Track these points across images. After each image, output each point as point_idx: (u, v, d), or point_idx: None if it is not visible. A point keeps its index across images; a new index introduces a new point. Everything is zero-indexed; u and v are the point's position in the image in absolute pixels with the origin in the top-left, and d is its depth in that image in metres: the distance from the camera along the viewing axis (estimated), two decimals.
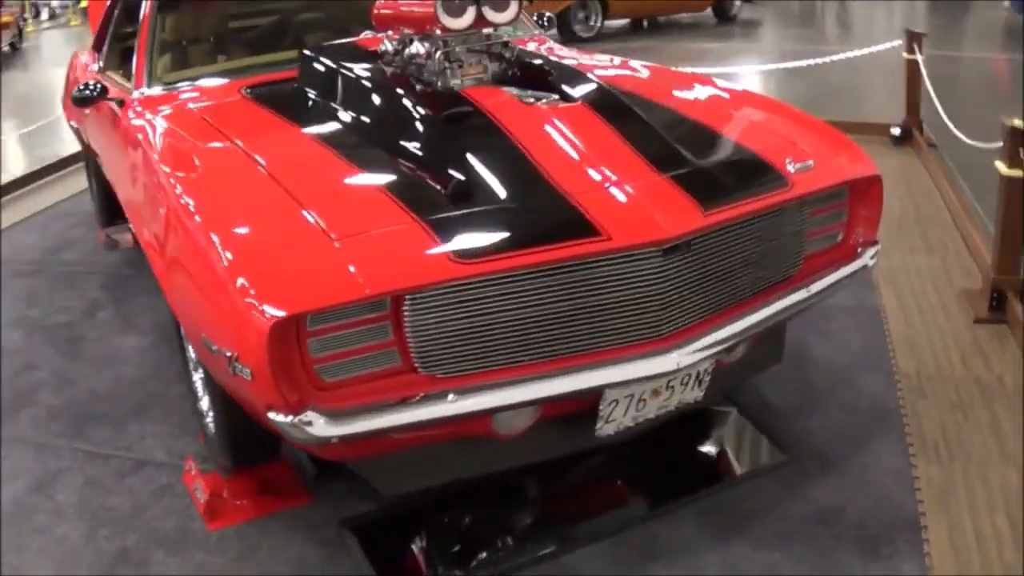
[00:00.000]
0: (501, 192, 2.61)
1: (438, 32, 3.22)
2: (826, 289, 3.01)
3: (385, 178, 2.76)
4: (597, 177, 2.65)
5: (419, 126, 2.99)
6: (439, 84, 3.25)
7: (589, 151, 2.77)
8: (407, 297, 2.35)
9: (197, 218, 2.68)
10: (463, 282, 2.37)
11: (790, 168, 2.88)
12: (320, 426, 2.32)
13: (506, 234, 2.45)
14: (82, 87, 3.99)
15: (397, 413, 2.37)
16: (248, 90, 3.70)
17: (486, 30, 3.32)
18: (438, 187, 2.70)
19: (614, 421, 2.70)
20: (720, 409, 3.56)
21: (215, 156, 3.17)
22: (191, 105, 3.72)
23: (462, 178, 2.68)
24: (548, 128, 2.88)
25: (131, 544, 3.14)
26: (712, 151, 2.97)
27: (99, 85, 3.98)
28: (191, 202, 2.79)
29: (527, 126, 2.89)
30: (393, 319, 2.39)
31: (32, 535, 3.23)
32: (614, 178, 2.64)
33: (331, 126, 3.26)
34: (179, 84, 3.98)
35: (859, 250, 3.16)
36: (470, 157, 2.73)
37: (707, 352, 2.64)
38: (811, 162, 2.93)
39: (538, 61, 3.51)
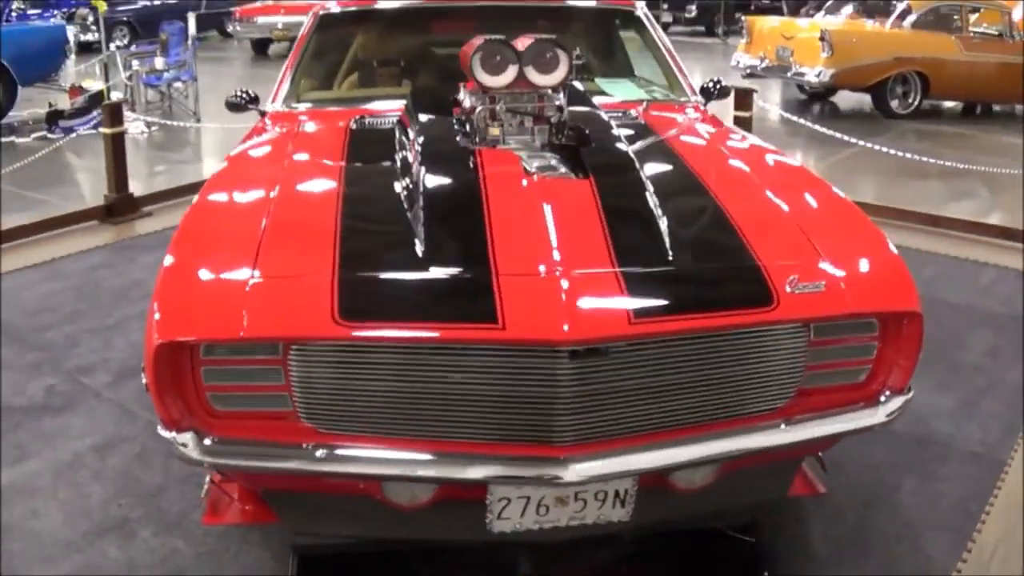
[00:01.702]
0: (435, 261, 2.51)
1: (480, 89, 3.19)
2: (819, 439, 2.63)
3: (352, 225, 2.74)
4: (542, 263, 2.44)
5: (407, 181, 2.96)
6: (475, 141, 3.22)
7: (556, 234, 2.57)
8: (293, 347, 2.38)
9: (179, 231, 2.85)
10: (342, 343, 2.35)
11: (789, 287, 2.49)
12: (192, 449, 2.43)
13: (404, 304, 2.39)
14: (235, 94, 4.33)
15: (264, 458, 2.43)
16: (356, 120, 3.85)
17: (549, 91, 3.24)
18: (396, 243, 2.65)
19: (509, 519, 2.53)
20: (738, 536, 3.20)
21: (248, 177, 3.34)
22: (297, 126, 3.94)
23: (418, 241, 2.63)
24: (531, 204, 2.73)
25: (134, 517, 3.42)
26: (707, 253, 2.67)
27: (250, 93, 4.30)
28: (193, 216, 2.97)
29: (509, 199, 2.78)
30: (284, 365, 2.41)
31: (67, 488, 3.61)
32: (560, 267, 2.42)
33: (369, 167, 3.28)
34: (307, 104, 4.23)
35: (882, 398, 2.68)
36: (431, 221, 2.67)
37: (611, 472, 2.40)
38: (822, 283, 2.52)
39: (596, 127, 3.34)
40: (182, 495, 3.51)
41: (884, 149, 8.16)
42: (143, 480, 3.62)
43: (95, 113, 10.12)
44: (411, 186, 2.89)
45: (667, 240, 2.61)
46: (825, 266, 2.58)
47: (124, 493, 3.55)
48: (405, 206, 2.79)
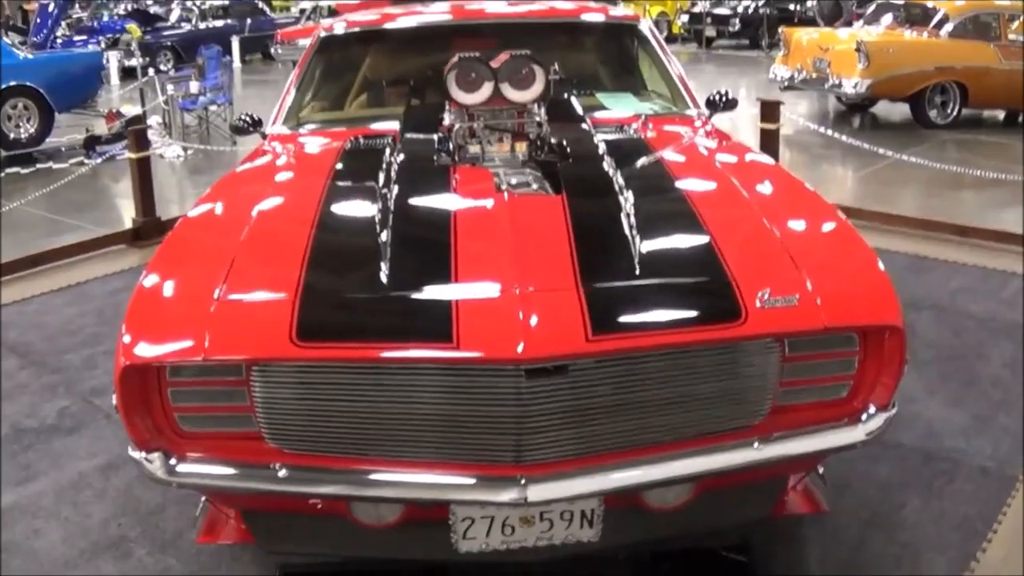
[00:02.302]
0: (397, 280, 2.52)
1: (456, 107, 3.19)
2: (797, 457, 2.56)
3: (322, 245, 2.75)
4: (502, 281, 2.43)
5: (382, 200, 2.97)
6: (455, 158, 3.22)
7: (522, 251, 2.56)
8: (255, 368, 2.40)
9: (156, 254, 2.89)
10: (301, 364, 2.37)
11: (759, 302, 2.42)
12: (159, 469, 2.47)
13: (362, 324, 2.40)
14: (239, 118, 4.40)
15: (229, 478, 2.46)
16: (351, 140, 3.87)
17: (528, 107, 3.23)
18: (362, 263, 2.66)
19: (475, 539, 2.52)
20: (731, 556, 3.16)
21: (232, 199, 3.37)
22: (293, 148, 3.98)
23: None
24: (499, 221, 2.73)
25: (132, 536, 3.47)
26: (677, 268, 2.62)
27: (253, 117, 4.36)
28: (172, 238, 3.03)
29: (477, 217, 2.79)
30: (248, 386, 2.43)
31: (69, 508, 3.67)
32: (520, 285, 2.40)
33: (351, 186, 3.28)
34: (310, 126, 4.27)
35: (863, 415, 2.58)
36: (398, 240, 2.69)
37: (573, 493, 2.38)
38: (795, 298, 2.45)
39: (577, 143, 3.33)
40: (180, 515, 3.54)
41: (918, 160, 8.05)
42: (144, 500, 3.66)
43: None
44: (384, 205, 2.90)
45: (636, 256, 2.58)
46: (802, 281, 2.51)
47: (124, 513, 3.60)
48: (376, 225, 2.80)
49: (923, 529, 3.41)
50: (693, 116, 4.28)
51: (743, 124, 9.77)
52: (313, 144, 4.02)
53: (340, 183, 3.26)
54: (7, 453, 4.06)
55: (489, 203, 2.85)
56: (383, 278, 2.52)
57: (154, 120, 11.60)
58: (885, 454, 3.87)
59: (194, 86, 11.57)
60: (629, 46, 4.78)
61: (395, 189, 2.96)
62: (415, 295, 2.46)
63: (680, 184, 3.13)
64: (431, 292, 2.45)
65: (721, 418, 2.50)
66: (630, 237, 2.66)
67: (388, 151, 3.46)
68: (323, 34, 4.69)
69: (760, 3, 23.06)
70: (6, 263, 6.54)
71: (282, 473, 2.41)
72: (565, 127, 3.44)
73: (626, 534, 2.62)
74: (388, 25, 4.71)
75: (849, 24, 14.12)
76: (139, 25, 20.64)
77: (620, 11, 4.92)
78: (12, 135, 10.91)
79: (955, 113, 11.66)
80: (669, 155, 3.52)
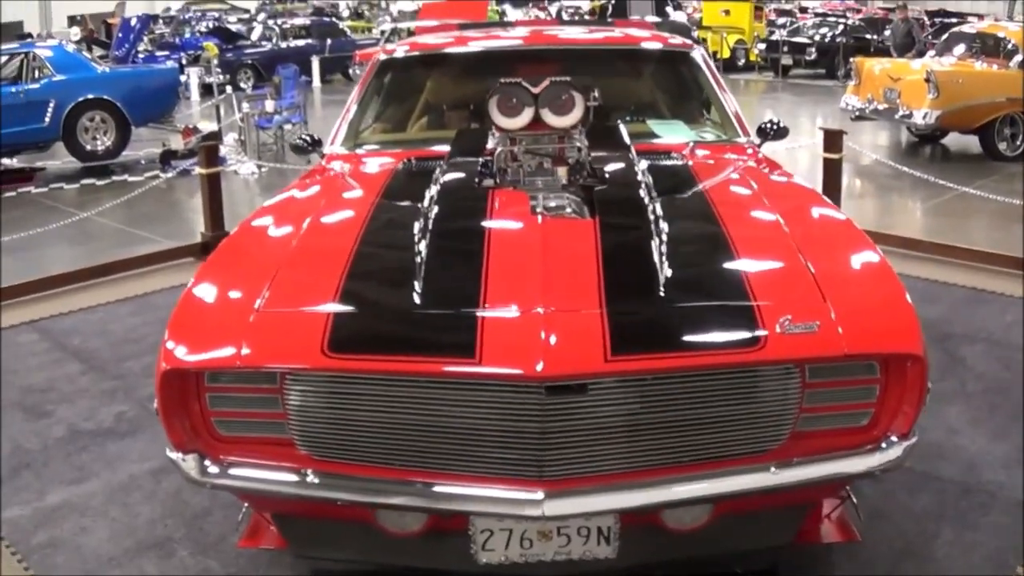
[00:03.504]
0: (428, 297, 2.62)
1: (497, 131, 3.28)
2: (813, 482, 2.56)
3: (362, 260, 2.87)
4: (529, 301, 2.51)
5: (423, 220, 3.07)
6: (497, 181, 3.31)
7: (550, 272, 2.64)
8: (288, 377, 2.51)
9: (206, 262, 3.03)
10: (331, 374, 2.47)
11: (779, 327, 2.46)
12: (192, 468, 2.61)
13: (390, 338, 2.51)
14: (300, 137, 4.56)
15: (259, 481, 2.59)
16: (404, 161, 3.98)
17: (569, 132, 3.30)
18: (397, 279, 2.76)
19: (494, 551, 2.59)
20: None
21: (285, 213, 3.51)
22: (348, 167, 4.11)
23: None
24: (531, 243, 2.81)
25: (176, 536, 3.61)
26: (701, 293, 2.68)
27: (313, 137, 4.51)
28: (224, 247, 3.19)
29: (511, 238, 2.89)
30: (282, 394, 2.55)
31: (118, 508, 3.82)
32: (545, 305, 2.48)
33: (398, 206, 3.41)
34: (365, 146, 4.40)
35: (883, 443, 2.60)
36: (433, 258, 2.78)
37: (589, 509, 2.44)
38: (815, 324, 2.48)
39: (617, 169, 3.38)
40: (224, 519, 3.65)
41: (982, 193, 7.95)
42: (191, 503, 3.80)
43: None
44: (424, 225, 3.00)
45: (661, 280, 2.64)
46: (825, 309, 2.55)
47: (171, 514, 3.74)
48: (414, 244, 2.90)
49: (954, 561, 3.38)
50: (743, 144, 4.30)
51: (811, 153, 9.69)
52: (367, 164, 4.14)
53: (387, 202, 3.40)
54: (63, 454, 4.24)
55: (523, 225, 2.94)
56: (415, 295, 2.63)
57: (231, 137, 11.90)
58: (924, 485, 3.85)
59: (270, 105, 11.85)
60: (683, 74, 4.82)
61: (435, 209, 3.06)
62: (443, 312, 2.57)
63: (716, 210, 3.19)
64: (459, 309, 2.55)
65: (740, 442, 2.53)
66: (657, 261, 2.72)
67: (437, 173, 3.57)
68: (383, 57, 4.82)
69: (837, 32, 22.89)
70: (75, 271, 6.79)
71: (310, 479, 2.52)
72: (608, 153, 3.51)
73: (643, 553, 2.67)
74: (447, 50, 4.83)
75: (922, 55, 13.93)
76: (220, 43, 21.18)
77: (678, 40, 4.95)
78: (89, 147, 11.33)
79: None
80: (710, 182, 3.58)
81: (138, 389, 4.91)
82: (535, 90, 3.25)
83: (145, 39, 21.79)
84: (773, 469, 2.52)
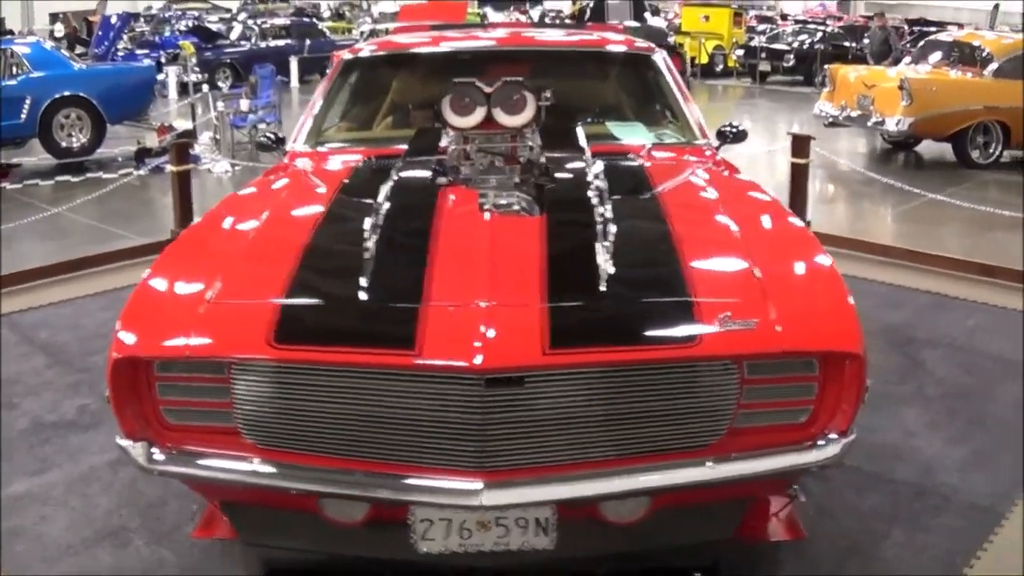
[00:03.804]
0: (373, 290, 2.67)
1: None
2: (750, 477, 2.60)
3: (313, 254, 2.92)
4: (471, 295, 2.56)
5: (375, 216, 3.10)
6: (451, 179, 3.34)
7: (495, 267, 2.70)
8: (234, 366, 2.55)
9: (163, 253, 3.07)
10: (275, 364, 2.52)
11: (717, 323, 2.51)
12: (139, 455, 2.66)
13: (334, 330, 2.56)
14: (264, 135, 4.61)
15: (204, 468, 2.64)
16: (365, 159, 4.02)
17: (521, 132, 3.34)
18: (345, 272, 2.80)
19: (434, 541, 2.63)
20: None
21: (243, 208, 3.55)
22: (310, 164, 4.15)
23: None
24: (477, 239, 2.86)
25: (132, 526, 3.64)
26: (642, 289, 2.73)
27: (277, 136, 4.54)
28: (181, 239, 3.20)
29: (457, 234, 2.92)
30: (229, 384, 2.59)
31: (77, 498, 3.85)
32: (487, 299, 2.54)
33: (352, 202, 3.44)
34: (328, 145, 4.43)
35: (820, 440, 2.63)
36: (381, 253, 2.83)
37: (525, 500, 2.49)
38: (754, 321, 2.54)
39: (568, 168, 3.43)
40: (180, 509, 3.68)
41: (950, 200, 8.05)
42: (147, 493, 3.82)
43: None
44: (375, 221, 3.04)
45: (604, 276, 2.68)
46: (765, 306, 2.60)
47: (127, 504, 3.77)
48: (364, 239, 2.93)
49: (901, 561, 3.43)
50: (701, 147, 4.36)
51: (784, 158, 9.73)
52: (328, 162, 4.18)
53: (343, 199, 3.45)
54: (26, 445, 4.25)
55: (470, 222, 2.99)
56: (362, 288, 2.68)
57: (206, 136, 11.88)
58: (877, 486, 3.91)
59: (244, 104, 11.85)
60: (644, 77, 4.87)
61: (386, 206, 3.11)
62: (387, 305, 2.62)
63: (665, 210, 3.25)
64: (402, 303, 2.60)
65: (678, 436, 2.57)
66: (601, 258, 2.76)
67: (392, 171, 3.60)
68: (347, 56, 4.85)
69: (815, 40, 23.05)
70: (47, 267, 6.79)
71: (253, 467, 2.57)
72: (562, 152, 3.56)
73: (582, 545, 2.70)
74: (410, 51, 4.88)
75: (899, 62, 14.05)
76: (199, 42, 21.13)
77: (643, 43, 5.00)
78: (64, 144, 11.29)
79: (998, 153, 11.56)
80: (663, 182, 3.63)
81: (102, 383, 4.68)
82: (487, 90, 3.28)
83: (125, 37, 21.70)
84: (710, 464, 2.56)
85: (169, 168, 7.53)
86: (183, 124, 11.89)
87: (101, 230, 8.34)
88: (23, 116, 10.87)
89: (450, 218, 3.02)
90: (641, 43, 4.97)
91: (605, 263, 2.74)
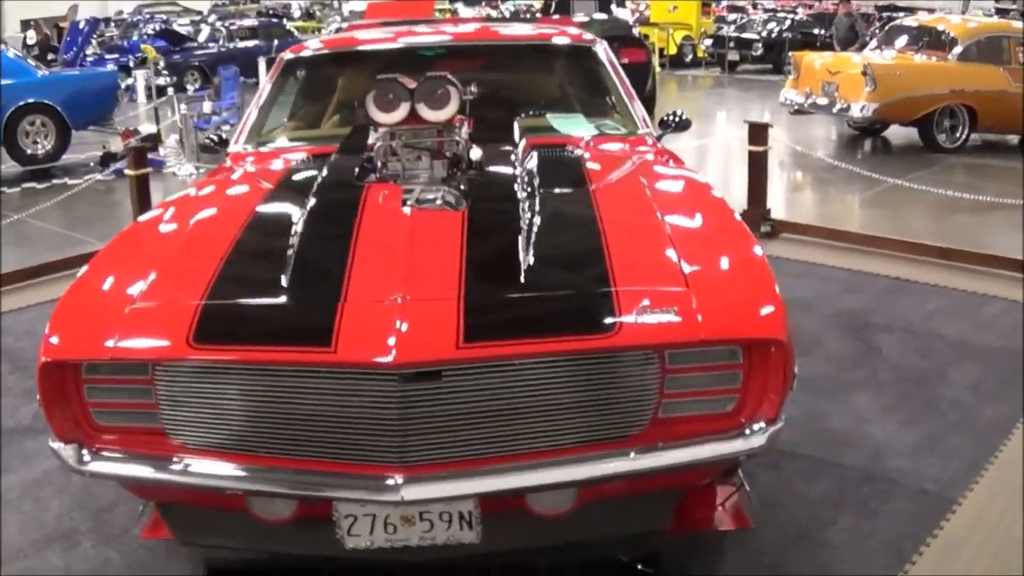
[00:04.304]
0: (293, 289, 2.69)
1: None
2: (675, 467, 2.59)
3: (238, 255, 2.93)
4: (389, 291, 2.57)
5: (296, 211, 3.13)
6: (378, 176, 3.35)
7: (413, 262, 2.71)
8: (157, 368, 2.57)
9: (95, 258, 3.09)
10: (197, 365, 2.53)
11: (635, 313, 2.51)
12: (69, 457, 2.68)
13: (254, 329, 2.58)
14: (208, 137, 4.59)
15: (130, 470, 2.66)
16: (304, 158, 4.03)
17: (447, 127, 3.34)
18: (267, 271, 2.81)
19: (359, 536, 2.63)
20: (640, 568, 3.18)
21: (178, 210, 3.53)
22: (248, 165, 4.17)
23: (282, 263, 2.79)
24: (397, 235, 2.87)
25: (82, 529, 3.66)
26: (563, 280, 2.74)
27: (220, 137, 4.54)
28: (113, 243, 3.24)
29: (378, 230, 2.92)
30: (153, 385, 2.61)
31: (30, 502, 3.87)
32: (404, 294, 2.55)
33: (282, 202, 3.44)
34: (270, 145, 4.44)
35: (746, 429, 2.63)
36: (302, 251, 2.85)
37: (444, 494, 2.49)
38: (673, 310, 2.53)
39: (495, 162, 3.43)
40: (128, 512, 3.67)
41: (913, 185, 8.09)
42: (98, 496, 3.83)
43: (148, 156, 10.57)
44: (299, 219, 3.06)
45: (524, 268, 2.69)
46: (687, 295, 2.60)
47: (78, 507, 3.78)
48: (288, 238, 2.95)
49: (849, 549, 3.43)
50: (642, 136, 4.37)
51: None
52: (266, 162, 4.19)
53: (274, 198, 3.46)
54: None
55: (391, 218, 2.99)
56: (281, 287, 2.69)
57: (172, 139, 11.83)
58: (825, 472, 3.93)
59: (207, 106, 11.82)
60: (586, 68, 4.89)
61: (310, 203, 3.12)
62: (306, 303, 2.64)
63: (594, 200, 3.26)
64: (320, 300, 2.61)
65: (600, 427, 2.57)
66: (521, 251, 2.77)
67: (322, 169, 3.61)
68: (288, 56, 4.85)
69: (784, 28, 23.12)
70: (7, 273, 6.75)
71: (178, 468, 2.58)
72: (492, 146, 3.56)
73: (509, 538, 2.71)
74: (351, 48, 4.90)
75: (864, 48, 14.11)
76: (168, 45, 21.08)
77: (587, 36, 5.02)
78: (29, 151, 11.24)
79: (964, 137, 11.63)
80: (596, 173, 3.64)
81: None
82: (410, 85, 3.27)
83: (94, 42, 21.60)
84: (633, 454, 2.55)
85: (127, 172, 7.51)
86: (149, 128, 11.83)
87: (64, 236, 8.31)
88: None
89: (372, 215, 3.01)
90: (586, 35, 4.98)
91: (526, 255, 2.75)
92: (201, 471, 2.58)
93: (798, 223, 7.91)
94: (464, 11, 29.52)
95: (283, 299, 2.65)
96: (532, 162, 3.57)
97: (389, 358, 2.36)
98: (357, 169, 3.40)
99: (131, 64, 19.75)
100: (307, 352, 2.45)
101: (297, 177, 3.70)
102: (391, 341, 2.39)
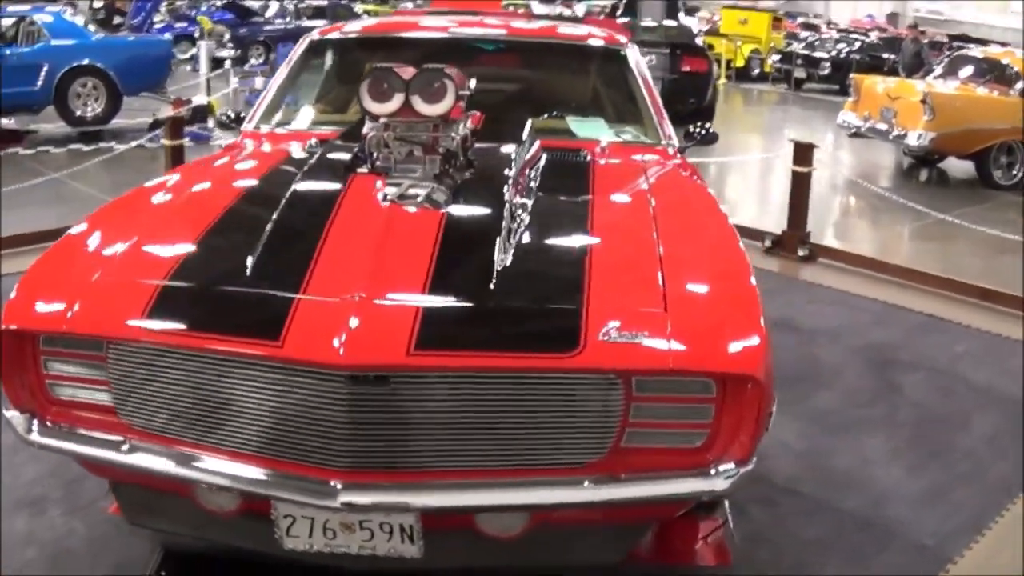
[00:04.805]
0: (255, 277, 2.58)
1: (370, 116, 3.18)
2: (631, 501, 2.44)
3: (213, 235, 2.85)
4: (349, 288, 2.45)
5: (280, 197, 3.02)
6: (370, 167, 3.21)
7: (381, 261, 2.58)
8: (110, 345, 2.50)
9: (75, 228, 3.02)
10: (148, 346, 2.46)
11: (602, 334, 2.34)
12: (20, 427, 2.64)
13: (206, 315, 2.49)
14: (224, 114, 4.55)
15: (79, 445, 2.61)
16: (310, 143, 3.91)
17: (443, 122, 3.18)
18: (234, 256, 2.71)
19: (298, 538, 2.53)
20: None
21: (179, 182, 3.49)
22: (256, 146, 4.11)
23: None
24: (370, 231, 2.73)
25: (52, 497, 3.65)
26: (534, 294, 2.57)
27: (236, 114, 4.47)
28: (96, 214, 3.15)
29: (352, 225, 2.80)
30: (107, 361, 2.54)
31: (6, 468, 3.83)
32: (363, 293, 2.42)
33: (272, 186, 3.29)
34: (284, 127, 4.35)
35: (712, 468, 2.44)
36: (273, 239, 2.75)
37: (382, 503, 2.39)
38: (643, 335, 2.36)
39: (490, 162, 3.28)
40: (99, 484, 3.58)
41: (960, 222, 7.85)
42: (74, 467, 3.72)
43: (196, 126, 10.68)
44: (281, 205, 2.96)
45: (496, 277, 2.54)
46: (662, 320, 2.42)
47: (52, 475, 3.76)
48: (263, 224, 2.85)
49: None
50: (662, 147, 4.20)
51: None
52: (272, 144, 4.11)
53: (264, 182, 3.37)
54: None
55: (368, 213, 2.86)
56: (244, 274, 2.59)
57: (226, 111, 11.87)
58: (821, 513, 3.77)
59: (259, 82, 11.85)
60: (613, 72, 4.72)
61: (294, 191, 3.02)
62: (263, 293, 2.52)
63: (590, 211, 3.11)
64: (279, 292, 2.50)
65: (555, 451, 2.42)
66: (497, 258, 2.62)
67: (315, 156, 3.52)
68: (315, 38, 4.77)
69: (853, 49, 22.76)
70: (26, 234, 6.73)
71: (123, 447, 2.53)
72: (495, 146, 3.42)
73: (455, 556, 2.60)
74: (375, 35, 4.83)
75: (927, 76, 13.78)
76: (236, 18, 21.23)
77: (621, 38, 4.87)
78: (79, 112, 11.35)
79: (1021, 175, 11.29)
80: (601, 182, 3.48)
81: None
82: (406, 76, 3.15)
83: (163, 9, 21.81)
84: (587, 484, 2.40)
85: (163, 141, 7.52)
86: (202, 99, 11.90)
87: (98, 199, 8.28)
88: (39, 83, 10.97)
89: (350, 208, 2.90)
90: (619, 38, 4.83)
91: (501, 262, 2.61)
92: (143, 454, 2.52)
93: (837, 249, 7.71)
94: (538, 8, 29.36)
95: (242, 287, 2.56)
96: (538, 165, 3.44)
97: (334, 359, 2.26)
98: (348, 159, 3.28)
99: (196, 34, 19.91)
100: (254, 344, 2.36)
101: (293, 162, 3.60)
102: (338, 341, 2.28)
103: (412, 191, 2.97)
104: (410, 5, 30.93)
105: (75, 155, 10.03)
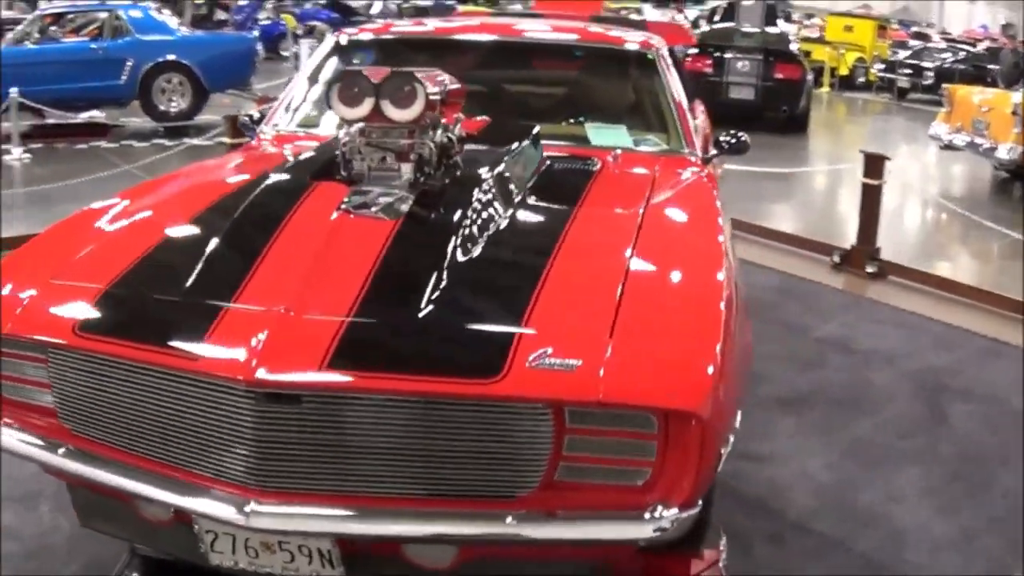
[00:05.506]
0: (192, 286, 2.54)
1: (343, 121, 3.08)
2: (555, 541, 2.30)
3: (167, 241, 2.83)
4: (277, 301, 2.38)
5: (231, 205, 2.98)
6: (345, 174, 3.11)
7: (317, 273, 2.49)
8: (49, 349, 2.51)
9: (52, 225, 3.06)
10: (80, 353, 2.46)
11: (530, 361, 2.20)
12: None
13: (135, 324, 2.46)
14: (246, 114, 4.52)
15: (20, 446, 2.61)
16: (319, 146, 3.85)
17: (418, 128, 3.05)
18: (178, 263, 2.68)
19: (223, 554, 2.47)
20: None
21: (176, 183, 3.52)
22: (267, 147, 4.08)
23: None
24: (314, 242, 2.64)
25: (47, 492, 3.66)
26: (469, 314, 2.46)
27: (255, 116, 4.47)
28: (78, 214, 3.18)
29: (300, 234, 2.72)
30: (47, 365, 2.55)
31: (14, 461, 3.79)
32: (291, 305, 2.36)
33: (244, 191, 3.19)
34: (300, 129, 4.30)
35: (648, 512, 2.25)
36: (219, 247, 2.71)
37: (296, 527, 2.30)
38: (575, 363, 2.20)
39: (467, 170, 3.15)
40: None
41: None
42: None
43: None
44: (239, 211, 2.92)
45: (433, 295, 2.43)
46: (601, 347, 2.26)
47: None
48: (219, 230, 2.81)
49: None
50: (684, 156, 4.03)
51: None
52: (277, 146, 4.07)
53: (240, 188, 3.27)
54: None
55: (318, 222, 2.77)
56: (184, 283, 2.55)
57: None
58: (830, 554, 3.57)
59: None
60: (638, 76, 4.56)
61: (249, 197, 2.99)
62: (192, 302, 2.48)
63: (568, 225, 2.95)
64: (209, 302, 2.46)
65: (479, 482, 2.30)
66: (438, 274, 2.51)
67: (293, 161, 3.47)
68: (342, 38, 4.72)
69: (958, 59, 21.99)
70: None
71: (59, 451, 2.53)
72: (483, 153, 3.30)
73: None
74: (402, 38, 4.77)
75: None
76: (340, 16, 21.52)
77: (655, 40, 4.71)
78: (163, 108, 11.61)
79: None
80: (598, 194, 3.33)
81: None
82: (375, 80, 3.07)
83: (269, 7, 22.28)
84: (509, 520, 2.25)
85: (224, 139, 7.61)
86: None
87: None
88: (123, 78, 11.25)
89: (302, 216, 2.83)
90: (652, 40, 4.66)
91: (442, 279, 2.50)
92: (75, 459, 2.52)
93: (908, 267, 7.37)
94: (650, 13, 29.06)
95: (179, 295, 2.52)
96: (536, 173, 3.34)
97: (241, 374, 2.20)
98: (319, 166, 3.21)
99: (298, 32, 20.29)
100: (171, 355, 2.33)
101: (279, 166, 3.55)
102: (246, 355, 2.22)
103: (380, 199, 2.88)
104: (519, 7, 30.95)
105: (157, 149, 10.29)
